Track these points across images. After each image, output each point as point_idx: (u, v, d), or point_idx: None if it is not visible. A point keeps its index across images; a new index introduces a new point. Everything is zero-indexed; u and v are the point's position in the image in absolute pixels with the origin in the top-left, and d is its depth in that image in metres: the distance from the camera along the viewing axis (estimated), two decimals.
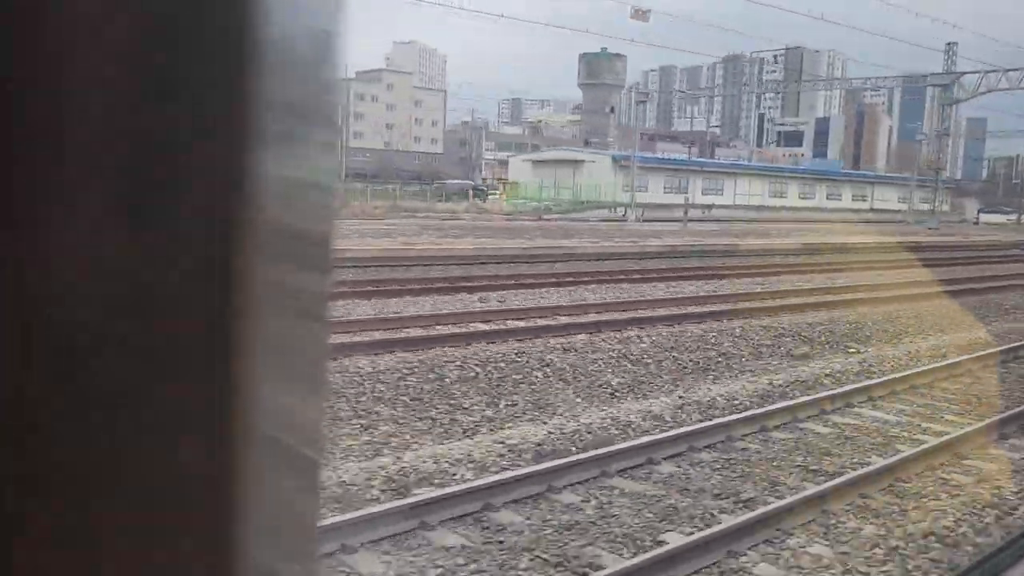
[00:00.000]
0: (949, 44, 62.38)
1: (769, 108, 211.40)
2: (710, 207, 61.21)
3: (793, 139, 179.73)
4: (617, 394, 8.55)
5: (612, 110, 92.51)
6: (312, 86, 0.46)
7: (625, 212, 49.75)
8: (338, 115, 0.50)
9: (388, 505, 5.18)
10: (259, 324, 0.42)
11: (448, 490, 5.50)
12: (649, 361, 9.92)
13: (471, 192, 61.80)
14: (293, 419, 0.50)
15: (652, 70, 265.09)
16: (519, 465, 6.24)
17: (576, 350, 10.12)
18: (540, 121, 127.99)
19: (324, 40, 0.46)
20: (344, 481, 5.70)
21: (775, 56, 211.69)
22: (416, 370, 8.74)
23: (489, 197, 61.58)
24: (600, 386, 8.77)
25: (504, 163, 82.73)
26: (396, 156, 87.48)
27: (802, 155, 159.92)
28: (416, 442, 6.72)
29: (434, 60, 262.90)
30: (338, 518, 4.84)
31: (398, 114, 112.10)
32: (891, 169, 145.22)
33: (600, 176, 59.14)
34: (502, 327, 11.17)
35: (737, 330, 12.06)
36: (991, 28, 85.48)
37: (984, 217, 76.91)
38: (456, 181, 66.17)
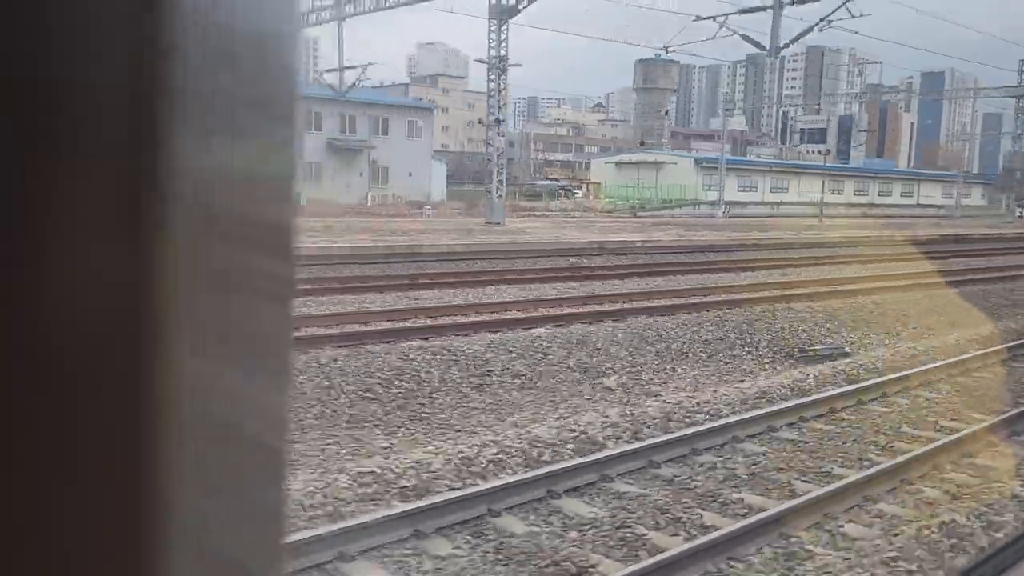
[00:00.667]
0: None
1: (790, 106, 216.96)
2: (778, 204, 67.27)
3: (816, 136, 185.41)
4: None
5: (667, 113, 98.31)
6: (255, 80, 0.46)
7: (725, 208, 55.60)
8: (296, 109, 0.50)
9: None
10: (190, 308, 0.41)
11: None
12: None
13: (560, 192, 67.68)
14: (247, 405, 0.49)
15: None
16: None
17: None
18: (584, 124, 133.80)
19: (271, 36, 0.47)
20: None
21: (795, 55, 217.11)
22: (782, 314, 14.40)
23: (573, 196, 67.36)
24: None
25: (569, 164, 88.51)
26: (465, 157, 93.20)
27: (827, 152, 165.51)
28: None
29: (457, 61, 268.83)
30: None
31: (452, 117, 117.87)
32: (918, 166, 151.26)
33: (682, 177, 64.89)
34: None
35: None
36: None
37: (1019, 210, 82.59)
38: (545, 182, 72.04)
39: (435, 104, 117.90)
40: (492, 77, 33.36)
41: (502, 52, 32.90)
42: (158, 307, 0.39)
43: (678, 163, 66.97)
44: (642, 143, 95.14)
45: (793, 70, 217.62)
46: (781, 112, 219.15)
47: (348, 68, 45.40)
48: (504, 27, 32.69)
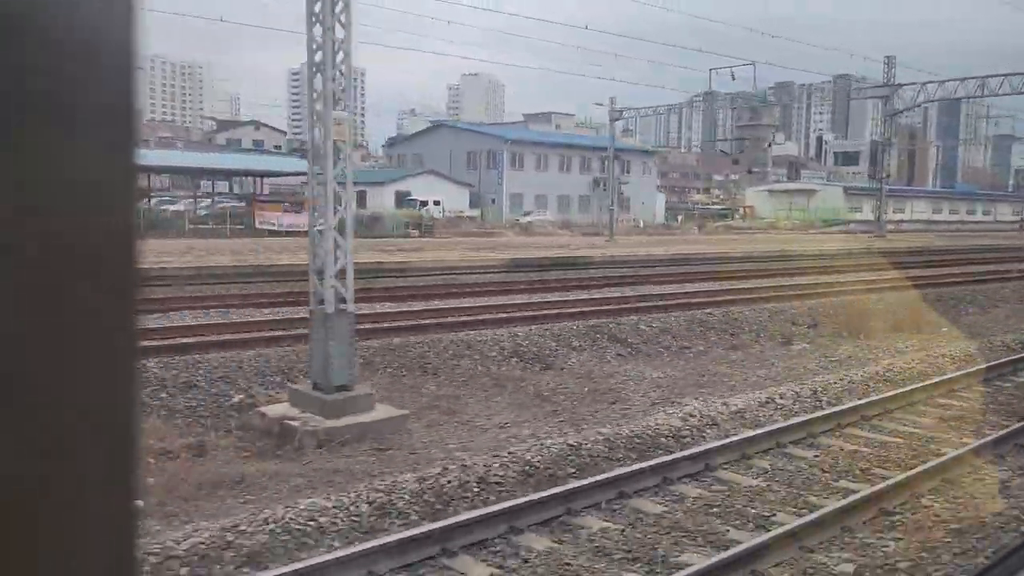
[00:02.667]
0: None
1: (818, 129, 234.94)
2: (900, 222, 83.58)
3: (850, 159, 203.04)
4: None
5: (769, 145, 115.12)
6: (82, 86, 0.46)
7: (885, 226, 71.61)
8: (133, 117, 0.50)
9: None
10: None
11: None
12: None
13: (715, 216, 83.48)
14: (79, 412, 0.48)
15: (696, 95, 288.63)
16: None
17: None
18: (669, 151, 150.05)
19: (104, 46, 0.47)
20: None
21: (823, 83, 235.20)
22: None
23: (726, 220, 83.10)
24: None
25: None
26: None
27: (859, 174, 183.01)
28: None
29: (497, 91, 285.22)
30: None
31: None
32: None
33: (832, 202, 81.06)
34: None
35: None
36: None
37: None
38: (712, 207, 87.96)
39: None
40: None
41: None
42: None
43: (827, 190, 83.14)
44: (750, 171, 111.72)
45: (821, 100, 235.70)
46: (816, 137, 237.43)
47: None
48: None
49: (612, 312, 14.75)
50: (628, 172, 71.41)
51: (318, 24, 8.00)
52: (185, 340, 11.00)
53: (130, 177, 0.51)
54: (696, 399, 9.83)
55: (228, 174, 44.35)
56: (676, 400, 9.94)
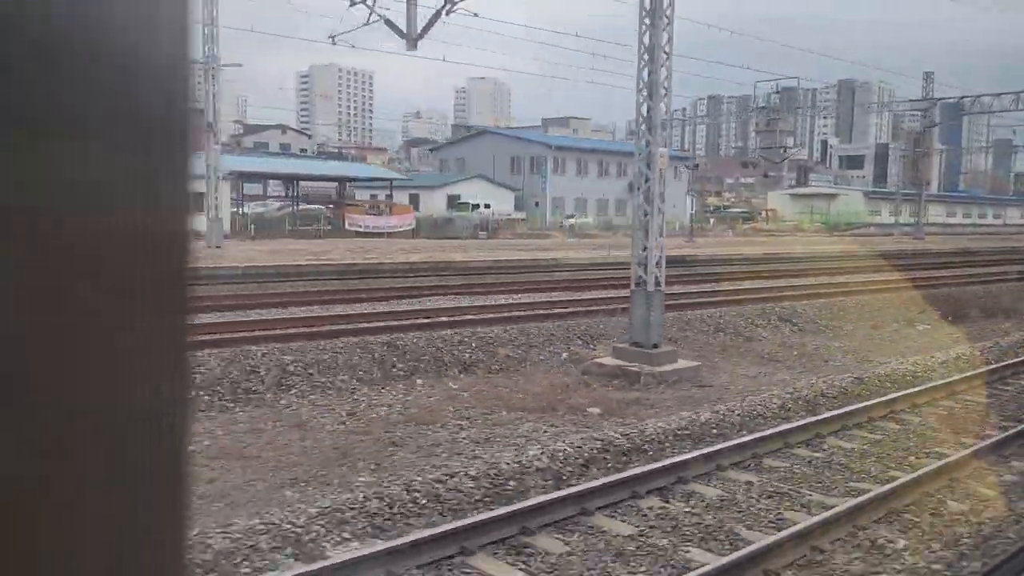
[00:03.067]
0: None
1: (822, 134, 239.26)
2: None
3: (855, 163, 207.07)
4: None
5: (785, 150, 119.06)
6: (139, 100, 0.48)
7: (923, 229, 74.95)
8: (188, 131, 0.52)
9: None
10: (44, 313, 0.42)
11: None
12: None
13: (740, 218, 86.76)
14: (128, 415, 0.49)
15: (700, 99, 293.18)
16: None
17: None
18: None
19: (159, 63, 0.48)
20: None
21: (827, 88, 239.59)
22: None
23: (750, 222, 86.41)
24: None
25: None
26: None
27: (862, 177, 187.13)
28: None
29: (504, 95, 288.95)
30: None
31: None
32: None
33: (852, 205, 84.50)
34: None
35: None
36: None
37: None
38: (733, 210, 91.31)
39: None
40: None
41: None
42: None
43: (848, 195, 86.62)
44: (766, 175, 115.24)
45: (826, 102, 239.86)
46: (820, 141, 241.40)
47: None
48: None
49: (772, 299, 18.04)
50: (679, 177, 74.70)
51: (648, 62, 11.15)
52: (517, 313, 14.38)
53: (146, 178, 0.51)
54: (884, 359, 13.06)
55: (326, 179, 47.51)
56: (870, 360, 13.17)
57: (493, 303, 16.43)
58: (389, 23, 33.61)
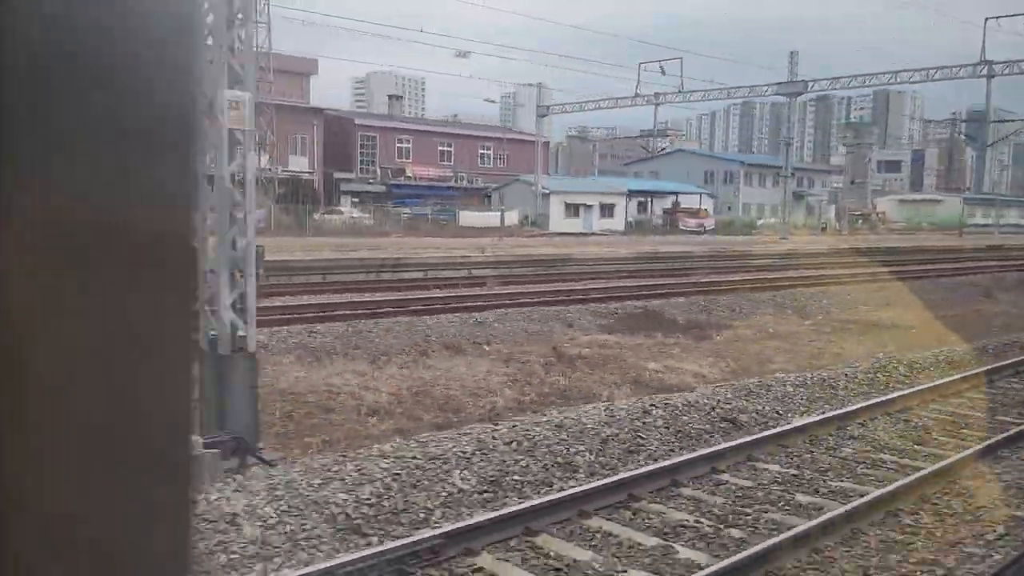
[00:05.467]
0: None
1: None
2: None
3: (892, 167, 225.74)
4: None
5: (869, 160, 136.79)
6: (141, 102, 0.49)
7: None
8: (194, 133, 0.53)
9: None
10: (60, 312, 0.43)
11: None
12: None
13: (859, 218, 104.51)
14: (134, 408, 0.50)
15: (734, 103, 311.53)
16: None
17: None
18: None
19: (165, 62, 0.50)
20: None
21: (861, 96, 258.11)
22: None
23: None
24: None
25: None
26: None
27: (900, 180, 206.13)
28: None
29: (546, 98, 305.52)
30: None
31: None
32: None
33: (953, 209, 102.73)
34: None
35: None
36: None
37: None
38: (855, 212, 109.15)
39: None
40: None
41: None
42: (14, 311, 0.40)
43: (947, 201, 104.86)
44: (852, 182, 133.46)
45: (860, 108, 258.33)
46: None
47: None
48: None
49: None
50: (812, 185, 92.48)
51: None
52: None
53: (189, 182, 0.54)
54: None
55: (665, 193, 64.39)
56: None
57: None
58: None
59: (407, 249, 30.75)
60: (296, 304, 15.81)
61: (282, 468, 6.23)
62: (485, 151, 63.70)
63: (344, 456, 6.60)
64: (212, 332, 6.55)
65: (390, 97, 65.38)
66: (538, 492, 6.22)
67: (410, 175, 56.75)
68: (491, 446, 6.95)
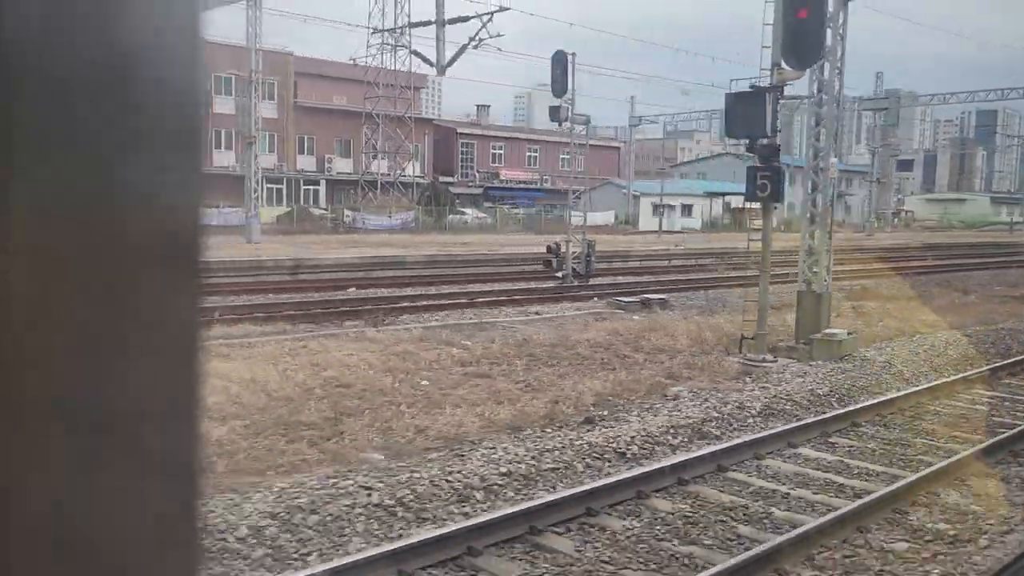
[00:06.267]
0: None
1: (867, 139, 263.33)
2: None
3: (905, 166, 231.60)
4: None
5: (894, 159, 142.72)
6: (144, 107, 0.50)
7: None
8: (199, 137, 0.54)
9: None
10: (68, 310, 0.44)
11: None
12: None
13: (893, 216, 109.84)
14: (140, 406, 0.50)
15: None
16: None
17: None
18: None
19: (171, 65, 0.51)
20: None
21: (871, 98, 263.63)
22: None
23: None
24: None
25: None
26: None
27: (913, 179, 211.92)
28: None
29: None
30: None
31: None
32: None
33: (980, 208, 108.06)
34: None
35: None
36: None
37: None
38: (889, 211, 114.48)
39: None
40: None
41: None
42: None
43: (976, 200, 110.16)
44: (878, 181, 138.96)
45: (869, 111, 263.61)
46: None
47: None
48: None
49: None
50: (850, 185, 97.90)
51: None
52: None
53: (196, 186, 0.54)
54: None
55: (733, 194, 69.92)
56: None
57: None
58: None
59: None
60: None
61: None
62: (565, 156, 69.06)
63: None
64: None
65: (478, 107, 70.61)
66: None
67: (503, 178, 62.10)
68: None
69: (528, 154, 65.19)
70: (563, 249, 21.18)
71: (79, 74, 0.45)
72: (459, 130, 60.93)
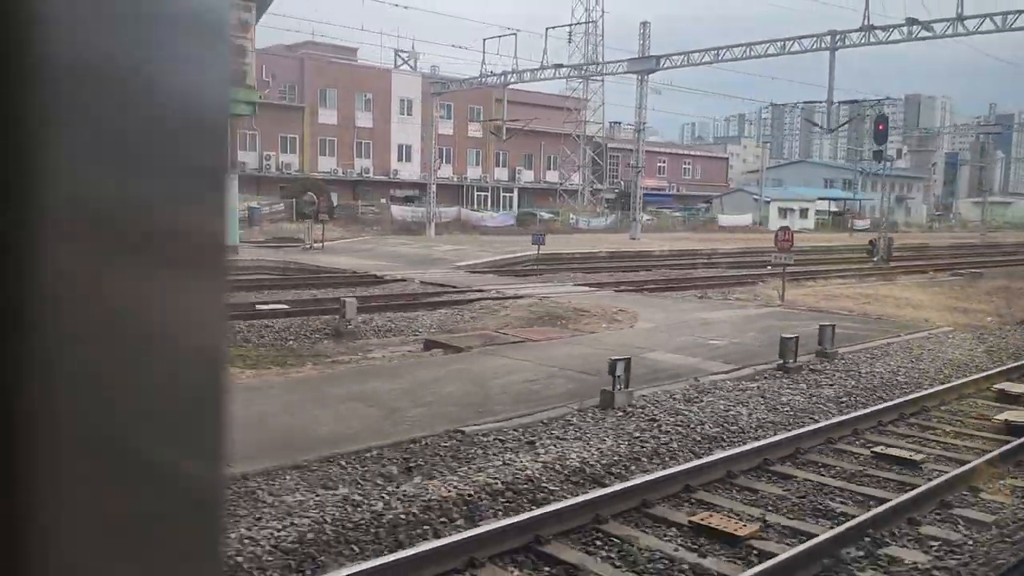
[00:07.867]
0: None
1: (889, 144, 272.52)
2: None
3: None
4: None
5: (934, 165, 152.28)
6: (173, 108, 0.51)
7: None
8: (224, 138, 0.55)
9: None
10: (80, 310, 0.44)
11: None
12: None
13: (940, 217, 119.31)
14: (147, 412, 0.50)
15: (765, 106, 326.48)
16: None
17: None
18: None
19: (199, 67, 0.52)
20: None
21: (893, 102, 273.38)
22: None
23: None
24: None
25: None
26: None
27: (935, 182, 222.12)
28: None
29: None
30: None
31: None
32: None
33: (1020, 211, 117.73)
34: None
35: None
36: None
37: None
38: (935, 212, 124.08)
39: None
40: None
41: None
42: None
43: (1018, 203, 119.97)
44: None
45: (893, 113, 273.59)
46: (895, 150, 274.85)
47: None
48: None
49: None
50: (910, 190, 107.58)
51: None
52: None
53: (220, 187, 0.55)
54: None
55: (835, 199, 78.97)
56: None
57: None
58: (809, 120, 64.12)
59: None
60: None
61: None
62: (687, 165, 78.66)
63: None
64: None
65: (611, 123, 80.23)
66: None
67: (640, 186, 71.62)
68: None
69: (658, 164, 74.69)
70: (880, 243, 30.60)
71: (107, 74, 0.46)
72: (609, 145, 70.47)
